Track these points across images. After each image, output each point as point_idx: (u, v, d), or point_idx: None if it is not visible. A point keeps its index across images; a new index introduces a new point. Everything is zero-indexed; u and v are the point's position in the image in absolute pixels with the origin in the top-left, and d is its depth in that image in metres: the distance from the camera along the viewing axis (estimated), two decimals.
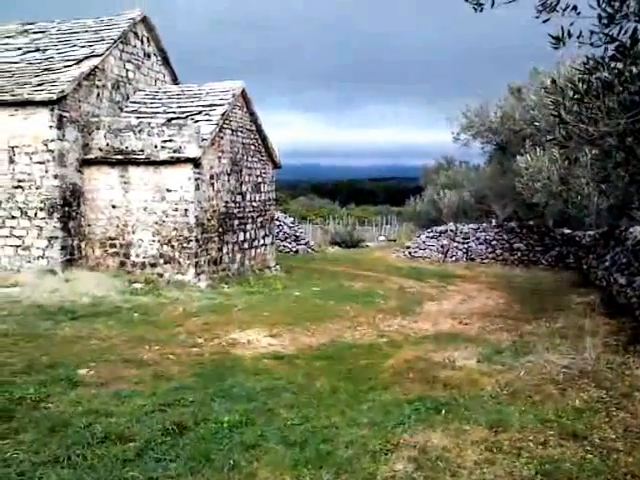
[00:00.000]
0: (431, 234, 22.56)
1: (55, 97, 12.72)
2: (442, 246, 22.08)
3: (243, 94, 15.09)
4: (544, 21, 4.58)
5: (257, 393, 6.38)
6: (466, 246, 21.79)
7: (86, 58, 13.88)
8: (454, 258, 21.77)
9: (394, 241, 30.96)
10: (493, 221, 22.48)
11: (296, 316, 10.65)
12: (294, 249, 23.28)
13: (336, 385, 6.72)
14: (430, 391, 6.49)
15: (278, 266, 17.22)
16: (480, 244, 21.59)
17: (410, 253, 22.68)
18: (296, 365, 7.61)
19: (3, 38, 15.73)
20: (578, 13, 4.53)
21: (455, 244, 21.94)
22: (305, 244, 24.02)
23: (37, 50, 14.79)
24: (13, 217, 13.28)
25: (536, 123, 14.98)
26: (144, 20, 15.71)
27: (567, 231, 20.58)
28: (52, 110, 12.84)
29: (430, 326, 10.39)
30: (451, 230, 22.12)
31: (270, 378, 6.96)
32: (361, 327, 10.03)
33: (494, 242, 21.42)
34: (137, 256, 13.45)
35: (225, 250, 14.53)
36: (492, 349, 8.37)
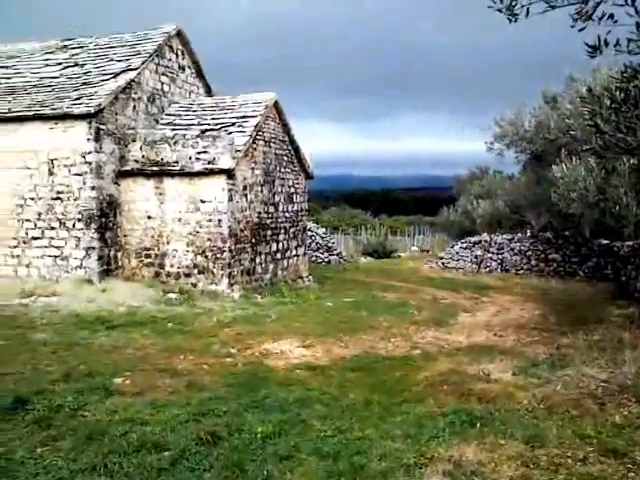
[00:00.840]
0: (465, 244, 22.35)
1: (93, 110, 13.02)
2: (476, 257, 21.85)
3: (276, 105, 15.22)
4: (580, 30, 4.52)
5: (290, 404, 6.38)
6: (500, 257, 21.52)
7: (123, 72, 14.18)
8: (488, 269, 21.51)
9: (427, 252, 30.76)
10: (528, 231, 22.16)
11: (329, 327, 10.65)
12: (326, 259, 23.30)
13: (369, 397, 6.68)
14: (465, 404, 6.40)
15: (311, 276, 17.25)
16: (515, 255, 21.30)
17: (443, 264, 22.49)
18: (329, 376, 7.59)
19: (44, 54, 16.18)
20: (615, 21, 4.47)
21: (489, 255, 21.69)
22: (337, 254, 24.03)
23: (76, 65, 15.16)
24: (52, 228, 13.59)
25: (572, 132, 14.74)
26: (179, 34, 15.99)
27: (604, 242, 20.16)
28: (90, 123, 13.14)
29: (464, 338, 10.27)
30: (485, 241, 21.88)
31: (303, 389, 6.96)
32: (394, 339, 9.96)
33: (529, 253, 21.10)
34: (172, 266, 13.62)
35: (258, 260, 14.62)
36: (528, 362, 8.23)
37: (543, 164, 20.04)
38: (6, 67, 16.03)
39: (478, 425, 5.74)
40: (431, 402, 6.51)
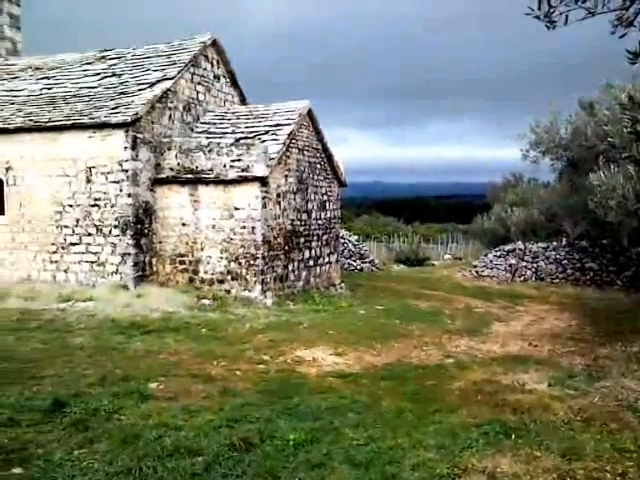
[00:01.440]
0: (499, 253, 22.07)
1: (129, 119, 13.26)
2: (510, 265, 21.56)
3: (309, 113, 15.29)
4: (621, 36, 4.45)
5: (322, 411, 6.38)
6: (535, 265, 21.19)
7: (159, 81, 14.42)
8: (522, 278, 21.20)
9: (460, 260, 30.47)
10: (564, 240, 21.79)
11: (361, 335, 10.62)
12: (359, 267, 23.25)
13: (402, 406, 6.64)
14: (499, 415, 6.32)
15: (343, 284, 17.24)
16: (550, 263, 20.95)
17: (477, 272, 22.24)
18: (361, 384, 7.57)
19: (83, 65, 16.56)
20: None
21: (524, 263, 21.37)
22: (369, 262, 23.96)
23: (113, 75, 15.48)
24: (89, 234, 13.86)
25: (610, 139, 14.49)
26: (214, 43, 16.20)
27: None
28: (127, 132, 13.38)
29: (498, 347, 10.14)
30: (519, 249, 21.58)
31: (335, 397, 6.95)
32: (427, 347, 9.89)
33: (565, 262, 20.74)
34: (205, 273, 13.76)
35: (291, 267, 14.67)
36: (564, 373, 8.10)
37: (580, 172, 19.70)
38: (47, 78, 16.46)
39: (513, 436, 5.67)
40: (464, 412, 6.44)
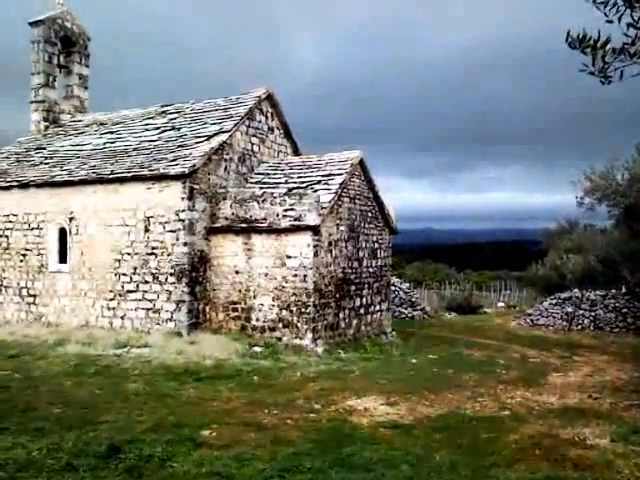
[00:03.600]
0: (554, 301, 21.55)
1: (187, 171, 13.73)
2: (567, 314, 20.97)
3: (361, 163, 15.49)
4: None
5: (374, 463, 6.28)
6: (593, 314, 20.56)
7: (216, 134, 14.94)
8: (580, 327, 20.57)
9: (514, 307, 29.81)
10: (623, 287, 21.13)
11: (413, 384, 10.46)
12: (410, 315, 23.03)
13: (456, 459, 6.48)
14: (559, 471, 6.10)
15: (394, 332, 17.09)
16: (609, 312, 20.29)
17: (532, 320, 21.72)
18: (414, 436, 7.44)
19: (145, 119, 17.36)
20: None
21: (581, 312, 20.77)
22: (421, 310, 23.72)
23: (173, 129, 16.14)
24: (146, 282, 14.25)
25: None
26: (269, 97, 16.73)
27: None
28: (184, 183, 13.84)
29: (556, 399, 9.81)
30: (576, 297, 21.01)
31: (387, 448, 6.84)
32: (481, 398, 9.66)
33: (625, 310, 20.06)
34: (257, 320, 13.90)
35: (342, 315, 14.67)
36: (628, 428, 7.76)
37: (638, 218, 19.25)
38: (111, 132, 17.31)
39: None
40: (522, 467, 6.24)
